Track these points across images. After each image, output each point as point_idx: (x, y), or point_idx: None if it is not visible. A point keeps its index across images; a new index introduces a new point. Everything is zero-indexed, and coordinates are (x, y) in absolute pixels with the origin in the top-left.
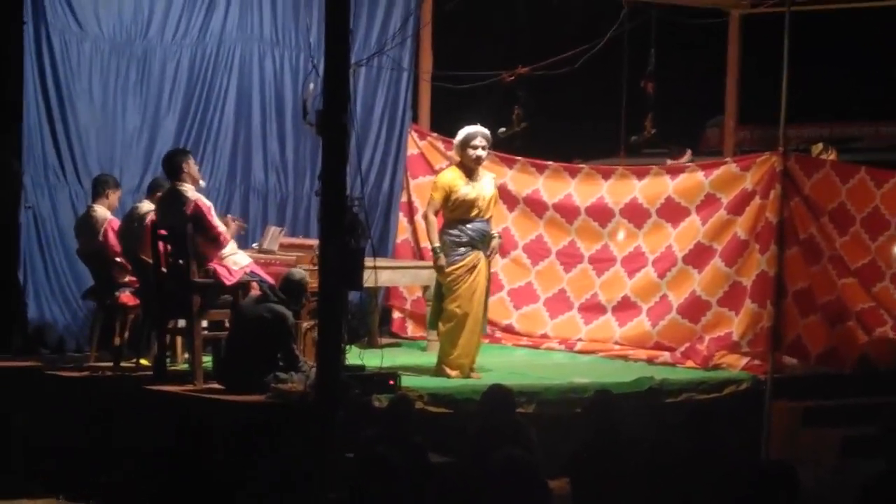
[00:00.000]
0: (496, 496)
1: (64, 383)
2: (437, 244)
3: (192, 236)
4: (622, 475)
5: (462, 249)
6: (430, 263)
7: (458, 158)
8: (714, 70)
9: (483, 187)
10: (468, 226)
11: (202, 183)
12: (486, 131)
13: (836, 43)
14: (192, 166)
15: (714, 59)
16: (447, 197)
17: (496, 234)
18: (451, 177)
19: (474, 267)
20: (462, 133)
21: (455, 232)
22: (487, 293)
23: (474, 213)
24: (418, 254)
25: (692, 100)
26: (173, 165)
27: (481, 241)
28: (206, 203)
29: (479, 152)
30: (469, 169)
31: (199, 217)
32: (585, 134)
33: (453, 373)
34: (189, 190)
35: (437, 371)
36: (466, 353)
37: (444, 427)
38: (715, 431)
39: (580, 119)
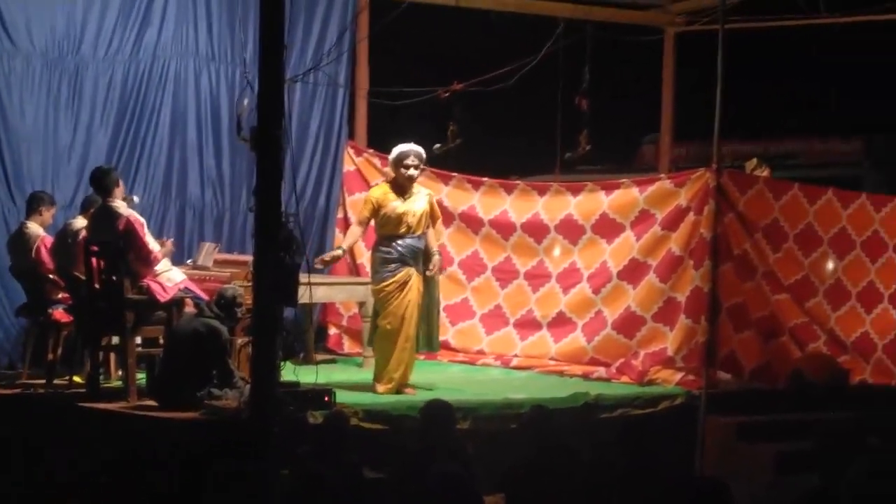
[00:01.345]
0: None
1: None
2: (342, 247)
3: (125, 253)
4: (559, 492)
5: (392, 266)
6: (366, 280)
7: (392, 175)
8: (650, 87)
9: (414, 203)
10: (398, 242)
11: (136, 199)
12: (420, 149)
13: (770, 60)
14: (120, 185)
15: (651, 75)
16: (375, 212)
17: (435, 252)
18: (381, 192)
19: (405, 283)
20: (395, 151)
21: (385, 248)
22: (433, 309)
23: (403, 229)
24: (354, 270)
25: (629, 116)
26: (104, 183)
27: (412, 258)
28: (138, 219)
29: (412, 171)
30: (401, 186)
31: (131, 234)
32: (521, 150)
33: (382, 388)
34: (121, 206)
35: (373, 387)
36: (396, 368)
37: (380, 443)
38: (649, 447)
39: (515, 135)
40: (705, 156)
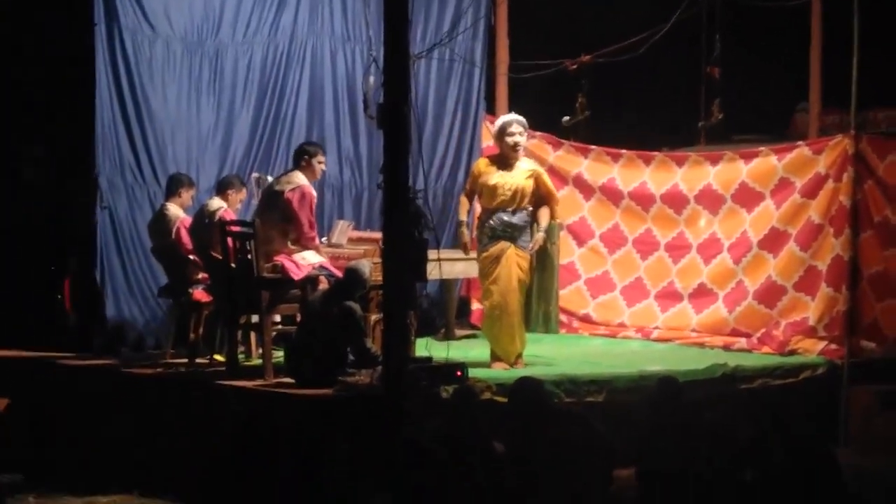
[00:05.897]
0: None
1: (138, 381)
2: (462, 219)
3: (261, 231)
4: (685, 462)
5: (485, 239)
6: None
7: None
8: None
9: (514, 177)
10: (493, 216)
11: (269, 179)
12: (522, 119)
13: None
14: (314, 162)
15: (804, 41)
16: (475, 182)
17: (540, 230)
18: (483, 163)
19: (497, 258)
20: (499, 121)
21: (483, 221)
22: (551, 290)
23: (497, 202)
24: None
25: (784, 83)
26: (298, 153)
27: (504, 232)
28: (312, 192)
29: (516, 138)
30: (506, 158)
31: (303, 200)
32: (654, 122)
33: (496, 366)
34: (300, 178)
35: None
36: (498, 342)
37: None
38: (782, 417)
39: (648, 107)
40: (861, 123)
